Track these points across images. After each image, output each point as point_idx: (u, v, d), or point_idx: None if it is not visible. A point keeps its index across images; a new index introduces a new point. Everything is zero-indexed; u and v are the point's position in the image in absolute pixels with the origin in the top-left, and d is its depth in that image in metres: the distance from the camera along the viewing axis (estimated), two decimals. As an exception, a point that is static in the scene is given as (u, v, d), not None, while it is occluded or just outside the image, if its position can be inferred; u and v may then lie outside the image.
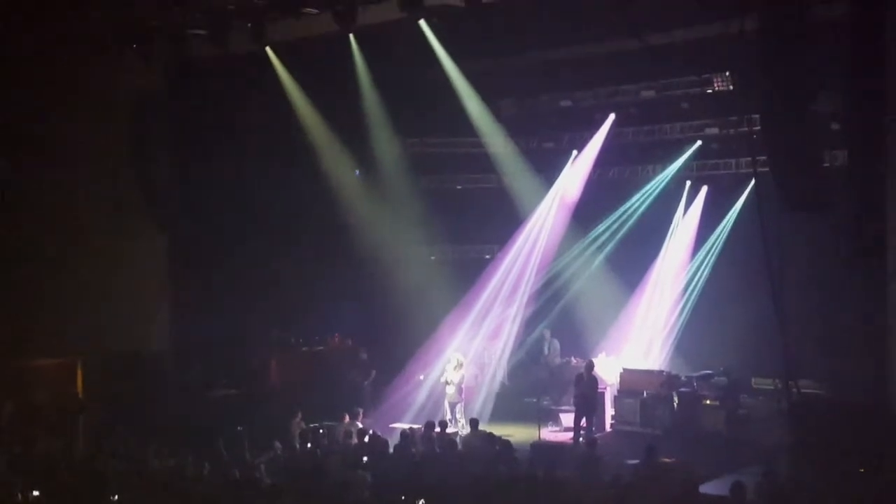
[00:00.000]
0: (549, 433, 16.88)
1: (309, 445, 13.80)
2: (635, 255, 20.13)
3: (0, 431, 13.47)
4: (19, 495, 9.75)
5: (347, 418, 15.19)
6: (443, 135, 20.61)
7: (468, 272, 20.64)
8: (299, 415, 15.05)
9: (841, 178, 13.45)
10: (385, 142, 19.67)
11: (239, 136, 17.76)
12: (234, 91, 17.36)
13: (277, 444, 13.26)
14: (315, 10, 14.67)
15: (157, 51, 15.66)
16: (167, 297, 17.56)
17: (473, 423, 14.43)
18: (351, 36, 17.30)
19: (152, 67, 16.03)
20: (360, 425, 14.91)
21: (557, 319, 20.26)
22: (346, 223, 18.99)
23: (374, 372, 18.38)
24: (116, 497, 9.91)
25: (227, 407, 16.24)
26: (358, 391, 17.86)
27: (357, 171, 20.02)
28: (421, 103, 18.96)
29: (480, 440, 13.39)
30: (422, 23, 16.56)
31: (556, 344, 19.39)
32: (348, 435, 14.47)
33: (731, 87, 17.41)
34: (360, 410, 15.59)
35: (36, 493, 9.86)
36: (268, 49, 17.22)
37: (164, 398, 15.96)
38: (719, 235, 19.62)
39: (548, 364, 19.36)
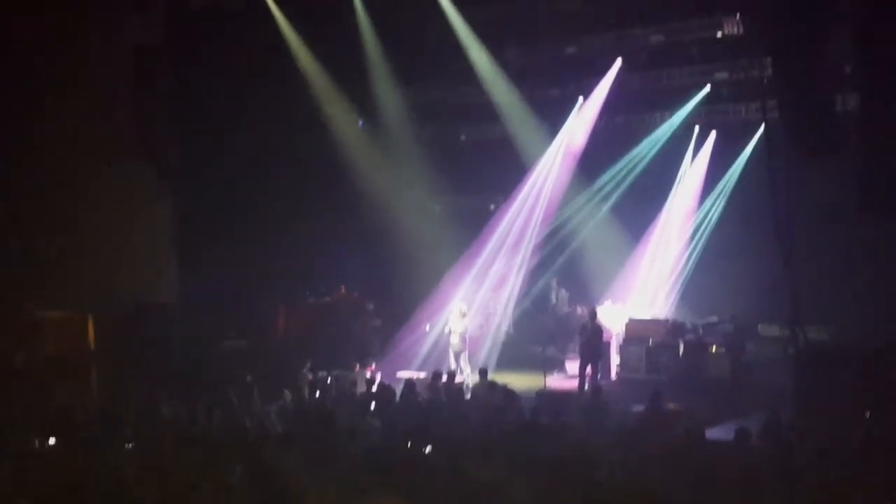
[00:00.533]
0: (555, 381, 16.99)
1: (318, 394, 13.91)
2: (642, 203, 20.07)
3: (13, 382, 13.57)
4: (35, 443, 9.86)
5: (358, 367, 15.29)
6: (446, 84, 20.42)
7: (473, 222, 20.62)
8: (308, 364, 15.16)
9: (853, 121, 13.34)
10: (388, 92, 19.51)
11: (240, 88, 17.62)
12: (234, 43, 17.16)
13: (287, 393, 13.36)
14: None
15: (155, 3, 15.47)
16: (174, 250, 17.57)
17: (482, 372, 14.50)
18: (352, -17, 17.10)
19: (151, 20, 15.84)
20: (368, 374, 15.03)
21: (563, 269, 20.30)
22: (350, 174, 18.92)
23: (378, 321, 18.44)
24: (131, 445, 10.02)
25: (236, 358, 16.33)
26: (364, 341, 17.97)
27: (360, 122, 19.89)
28: (424, 52, 18.75)
29: (486, 389, 13.47)
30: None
31: (564, 293, 19.44)
32: (354, 384, 14.58)
33: (741, 31, 17.17)
34: (371, 361, 15.69)
35: (51, 440, 9.97)
36: (268, -1, 17.04)
37: (174, 350, 16.05)
38: (727, 182, 19.55)
39: (555, 313, 19.43)
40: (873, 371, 11.83)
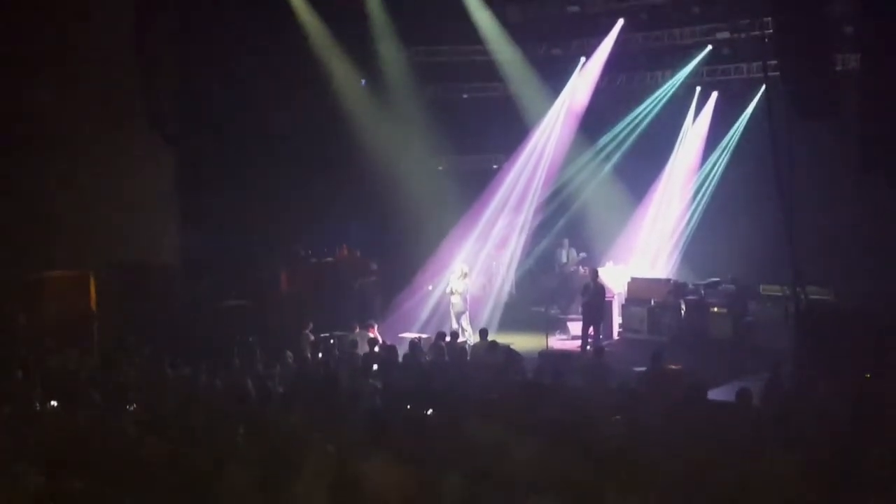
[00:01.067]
0: (557, 341, 17.06)
1: (320, 355, 13.97)
2: (644, 163, 20.01)
3: (14, 343, 13.62)
4: (37, 405, 9.91)
5: (357, 329, 15.33)
6: (448, 43, 20.27)
7: (475, 182, 20.57)
8: (310, 325, 15.20)
9: (853, 82, 13.24)
10: (390, 51, 19.38)
11: (243, 47, 17.47)
12: (238, 2, 17.02)
13: (289, 354, 13.42)
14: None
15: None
16: (176, 210, 17.56)
17: (483, 332, 14.55)
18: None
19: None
20: (371, 335, 15.08)
21: (565, 229, 20.29)
22: (352, 134, 18.84)
23: (375, 277, 18.47)
24: (133, 406, 10.08)
25: (237, 318, 16.38)
26: (366, 301, 18.02)
27: (363, 81, 19.76)
28: (426, 11, 18.59)
29: (487, 349, 13.53)
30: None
31: (575, 252, 19.38)
32: (356, 345, 14.63)
33: (744, -10, 17.02)
34: (374, 322, 15.72)
35: (54, 402, 10.02)
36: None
37: (176, 310, 16.10)
38: (729, 142, 19.47)
39: (562, 272, 19.43)
40: (875, 332, 11.85)
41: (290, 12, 17.86)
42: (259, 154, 17.85)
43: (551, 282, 19.57)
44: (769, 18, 14.35)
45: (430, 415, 9.11)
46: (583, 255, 19.60)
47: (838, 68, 14.75)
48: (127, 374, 11.77)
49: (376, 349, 13.87)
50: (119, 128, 16.25)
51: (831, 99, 12.25)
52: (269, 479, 6.62)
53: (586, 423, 8.31)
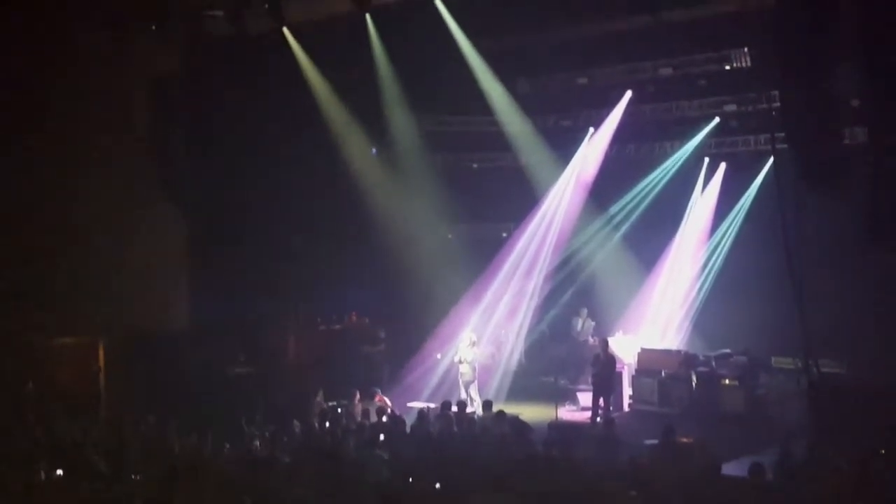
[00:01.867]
0: (567, 413, 16.89)
1: (327, 424, 13.86)
2: (653, 233, 20.05)
3: (22, 410, 13.59)
4: (42, 474, 9.84)
5: (358, 396, 15.22)
6: (459, 113, 20.55)
7: (485, 250, 20.63)
8: (321, 393, 15.13)
9: (861, 155, 13.31)
10: (401, 121, 19.62)
11: (257, 116, 17.75)
12: (251, 71, 17.32)
13: (296, 423, 13.33)
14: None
15: (174, 32, 15.66)
16: (186, 275, 17.64)
17: (487, 404, 14.43)
18: (367, 15, 17.23)
19: (170, 48, 16.03)
20: (379, 403, 14.98)
21: (575, 298, 20.25)
22: (363, 202, 18.98)
23: (383, 345, 18.44)
24: (139, 476, 10.01)
25: (245, 385, 16.34)
26: (375, 368, 17.96)
27: (374, 150, 19.98)
28: (437, 82, 18.88)
29: (493, 420, 13.41)
30: (437, 1, 16.47)
31: (591, 323, 19.26)
32: (366, 414, 14.53)
33: (749, 64, 17.23)
34: (377, 391, 15.62)
35: (59, 471, 9.95)
36: (284, 29, 17.17)
37: (184, 376, 16.06)
38: (738, 213, 19.51)
39: (575, 341, 19.28)
40: (887, 406, 11.72)
41: (302, 81, 18.14)
42: (269, 220, 17.99)
43: (561, 351, 19.46)
44: (775, 92, 14.52)
45: (437, 487, 9.00)
46: (593, 324, 19.53)
47: (846, 141, 14.86)
48: (133, 443, 11.69)
49: (384, 419, 13.76)
50: (131, 194, 16.45)
51: (839, 171, 12.30)
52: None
53: (597, 497, 8.20)
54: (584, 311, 19.39)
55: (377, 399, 15.34)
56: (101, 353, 15.80)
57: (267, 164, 17.97)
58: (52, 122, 15.44)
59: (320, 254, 18.70)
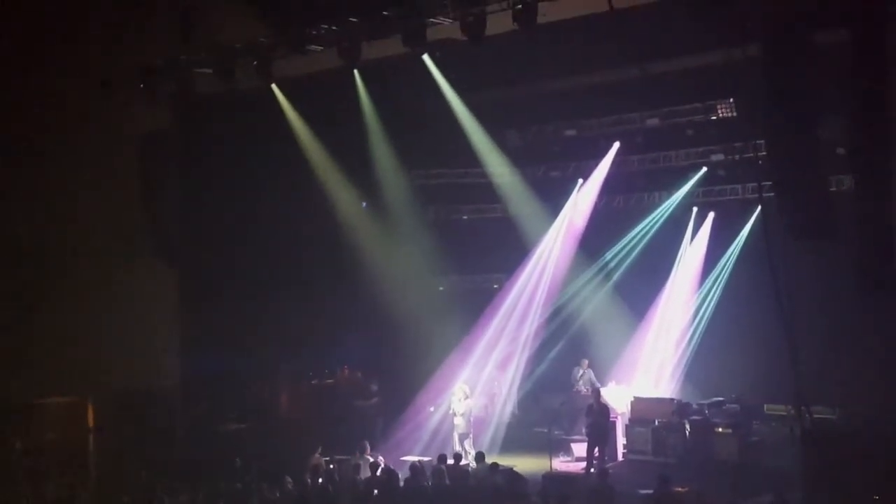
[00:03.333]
0: (561, 463, 16.78)
1: (320, 481, 13.73)
2: (643, 282, 20.10)
3: (10, 470, 13.44)
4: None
5: (360, 451, 15.12)
6: (448, 166, 20.72)
7: (476, 302, 20.64)
8: (319, 449, 14.99)
9: (848, 203, 13.44)
10: (391, 174, 19.74)
11: (246, 172, 17.86)
12: (240, 127, 17.48)
13: (288, 479, 13.20)
14: (320, 48, 14.82)
15: (163, 89, 15.81)
16: (176, 332, 17.58)
17: (479, 456, 14.33)
18: (355, 71, 17.44)
19: (159, 105, 16.16)
20: (371, 458, 14.86)
21: (567, 349, 20.20)
22: (354, 255, 19.02)
23: (375, 399, 18.36)
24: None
25: (236, 442, 16.21)
26: (369, 422, 17.85)
27: (364, 204, 20.08)
28: (426, 135, 19.08)
29: (489, 472, 13.31)
30: (425, 57, 16.69)
31: (591, 374, 19.14)
32: (357, 468, 14.40)
33: (735, 114, 17.46)
34: (367, 444, 15.48)
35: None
36: (273, 86, 17.36)
37: (174, 433, 15.93)
38: (727, 261, 19.59)
39: (570, 391, 19.18)
40: (880, 453, 11.69)
41: (292, 136, 18.29)
42: (260, 275, 18.01)
43: (554, 402, 19.37)
44: (762, 141, 14.69)
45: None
46: (592, 374, 19.41)
47: (832, 189, 15.01)
48: (123, 501, 11.56)
49: (378, 473, 13.64)
50: (120, 250, 16.46)
51: (826, 219, 12.40)
52: None
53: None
54: (585, 362, 19.29)
55: (367, 454, 15.20)
56: (90, 411, 15.67)
57: (257, 218, 18.06)
58: (41, 178, 15.51)
59: (311, 308, 18.69)
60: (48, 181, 15.65)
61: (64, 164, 15.80)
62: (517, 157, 20.47)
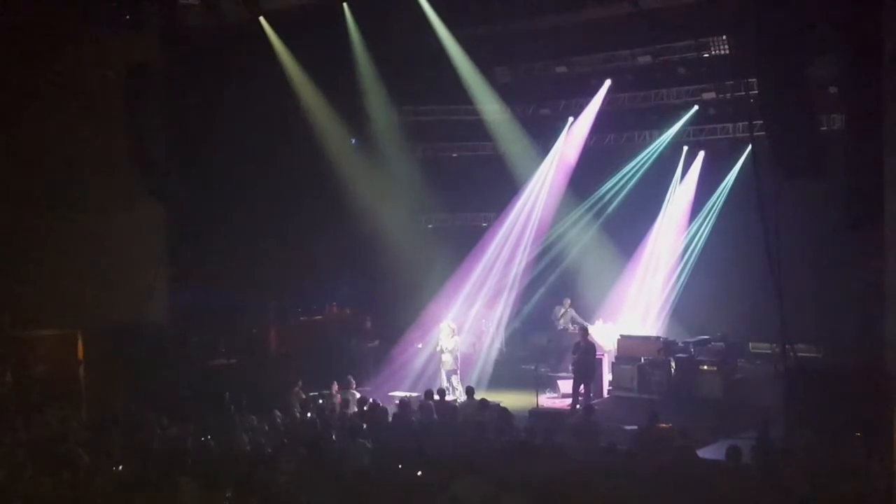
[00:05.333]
0: (547, 400, 16.99)
1: (309, 415, 13.87)
2: (632, 221, 20.15)
3: (1, 403, 13.51)
4: (22, 466, 9.79)
5: (336, 387, 15.23)
6: (438, 102, 20.54)
7: (465, 240, 20.67)
8: (299, 383, 15.13)
9: (838, 142, 13.42)
10: (380, 110, 19.60)
11: (234, 107, 17.65)
12: (228, 62, 17.23)
13: (277, 413, 13.32)
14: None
15: (149, 21, 15.53)
16: (165, 266, 17.54)
17: (469, 391, 14.51)
18: (345, 4, 17.18)
19: (145, 38, 15.90)
20: (358, 394, 15.00)
21: (555, 287, 20.32)
22: (342, 193, 18.95)
23: (377, 342, 18.54)
24: (121, 468, 9.98)
25: (226, 376, 16.30)
26: (362, 359, 18.02)
27: (353, 140, 19.95)
28: (416, 71, 18.89)
29: (477, 408, 13.46)
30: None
31: (573, 313, 19.28)
32: (346, 403, 14.54)
33: (728, 51, 17.31)
34: (352, 379, 15.61)
35: (39, 464, 9.89)
36: (261, 18, 17.08)
37: (164, 368, 16.00)
38: (716, 201, 19.63)
39: (556, 329, 19.35)
40: (863, 389, 11.85)
41: (280, 71, 18.06)
42: (248, 211, 17.93)
43: (541, 339, 19.55)
44: (753, 79, 14.59)
45: (419, 475, 9.03)
46: (573, 313, 19.56)
47: (823, 128, 14.98)
48: (114, 434, 11.65)
49: (365, 408, 13.78)
50: (108, 185, 16.32)
51: (817, 158, 12.38)
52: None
53: (577, 483, 8.26)
54: (567, 301, 19.45)
55: (353, 388, 15.35)
56: (80, 345, 15.69)
57: (245, 154, 17.90)
58: (27, 114, 15.29)
59: (300, 245, 18.68)
60: (32, 118, 15.43)
61: (48, 99, 15.55)
62: (507, 94, 20.32)
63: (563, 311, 19.34)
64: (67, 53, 15.61)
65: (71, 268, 15.67)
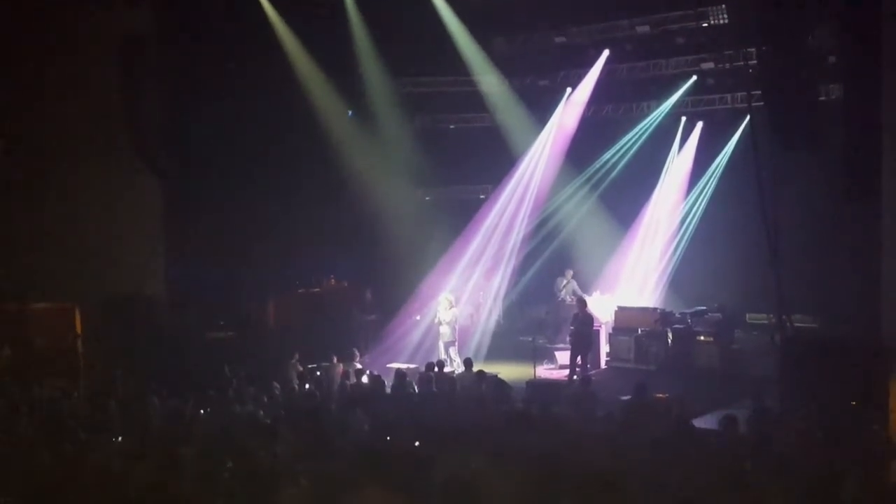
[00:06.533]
0: (545, 371, 17.05)
1: (307, 386, 13.91)
2: (630, 192, 20.14)
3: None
4: (20, 438, 9.83)
5: (336, 359, 15.27)
6: (436, 74, 20.42)
7: (463, 212, 20.65)
8: (296, 356, 15.16)
9: (836, 112, 13.38)
10: (377, 82, 19.50)
11: (230, 79, 17.57)
12: (224, 33, 17.10)
13: (276, 385, 13.36)
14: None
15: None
16: (162, 240, 17.53)
17: (468, 362, 14.55)
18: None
19: (140, 8, 15.78)
20: (359, 365, 15.04)
21: (552, 258, 20.33)
22: (339, 165, 18.90)
23: (375, 315, 18.58)
24: (120, 439, 10.01)
25: (224, 349, 16.32)
26: (361, 331, 18.07)
27: (350, 112, 19.86)
28: (413, 42, 18.75)
29: (473, 379, 13.51)
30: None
31: (574, 284, 19.29)
32: (346, 375, 14.59)
33: (727, 21, 17.20)
34: (356, 352, 15.67)
35: (38, 437, 9.93)
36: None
37: (162, 341, 16.03)
38: (714, 172, 19.62)
39: (554, 300, 19.36)
40: (859, 359, 11.90)
41: (277, 44, 17.95)
42: (245, 184, 17.87)
43: (539, 311, 19.58)
44: (752, 49, 14.54)
45: (417, 446, 9.07)
46: (575, 285, 19.58)
47: (821, 98, 14.93)
48: (112, 407, 11.68)
49: (363, 380, 13.83)
50: (105, 159, 16.26)
51: (814, 129, 12.37)
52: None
53: (574, 454, 8.29)
54: (570, 273, 19.42)
55: (356, 361, 15.39)
56: (77, 318, 15.71)
57: (242, 127, 17.81)
58: (21, 89, 15.20)
59: (297, 218, 18.65)
60: (26, 93, 15.34)
61: (43, 74, 15.46)
62: (505, 65, 20.20)
63: (565, 282, 19.34)
64: (62, 27, 15.49)
65: (69, 242, 15.65)
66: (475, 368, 14.22)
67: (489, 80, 20.25)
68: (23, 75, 15.21)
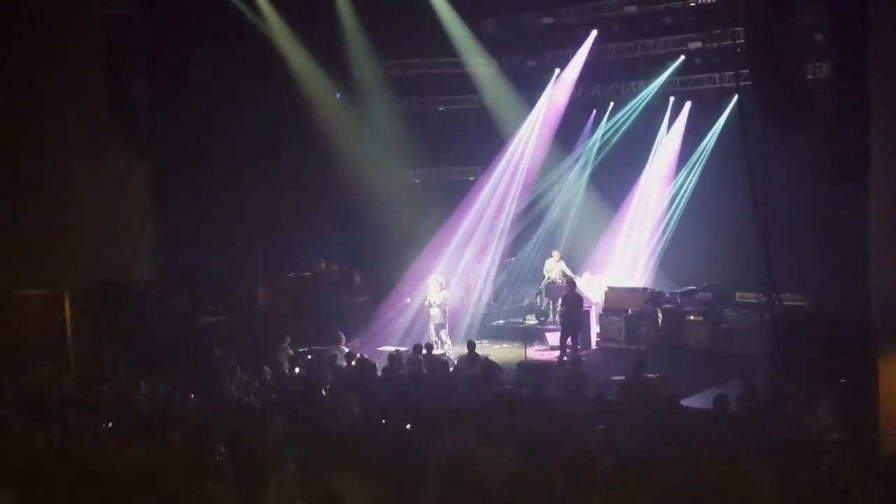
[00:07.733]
0: (536, 352, 17.09)
1: (298, 370, 13.91)
2: (619, 172, 20.15)
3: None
4: (12, 425, 9.82)
5: (340, 342, 15.27)
6: (423, 55, 20.34)
7: (452, 194, 20.62)
8: (287, 340, 15.14)
9: (824, 90, 13.37)
10: (366, 65, 19.41)
11: (216, 61, 17.45)
12: (211, 16, 16.98)
13: (266, 370, 13.35)
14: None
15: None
16: (151, 226, 17.45)
17: (470, 345, 14.47)
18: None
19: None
20: (346, 349, 15.04)
21: (542, 240, 20.35)
22: (328, 147, 18.83)
23: (366, 297, 18.56)
24: (110, 424, 10.01)
25: (215, 334, 16.29)
26: (351, 314, 18.05)
27: (339, 95, 19.78)
28: (401, 24, 18.66)
29: (466, 361, 13.53)
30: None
31: (563, 265, 19.27)
32: (335, 358, 14.59)
33: (714, 0, 17.16)
34: (342, 335, 15.65)
35: (28, 422, 9.91)
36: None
37: (152, 326, 15.99)
38: (703, 151, 19.64)
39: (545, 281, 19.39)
40: (848, 337, 11.95)
41: (265, 27, 17.84)
42: (234, 168, 17.79)
43: (529, 292, 19.61)
44: (740, 28, 14.46)
45: (408, 428, 9.09)
46: (563, 265, 19.60)
47: (809, 77, 14.92)
48: (103, 393, 11.67)
49: (354, 363, 13.83)
50: (92, 144, 16.14)
51: (803, 107, 12.33)
52: (245, 495, 6.59)
53: (565, 434, 8.32)
54: (556, 254, 19.44)
55: (342, 344, 15.39)
56: (66, 305, 15.65)
57: (230, 110, 17.70)
58: (8, 73, 15.05)
59: (287, 202, 18.59)
60: (13, 77, 15.19)
61: (29, 57, 15.31)
62: (493, 46, 20.14)
63: (553, 263, 19.36)
64: (48, 9, 15.34)
65: (57, 227, 15.55)
66: (465, 350, 14.22)
67: (478, 62, 20.18)
68: (7, 60, 15.07)
